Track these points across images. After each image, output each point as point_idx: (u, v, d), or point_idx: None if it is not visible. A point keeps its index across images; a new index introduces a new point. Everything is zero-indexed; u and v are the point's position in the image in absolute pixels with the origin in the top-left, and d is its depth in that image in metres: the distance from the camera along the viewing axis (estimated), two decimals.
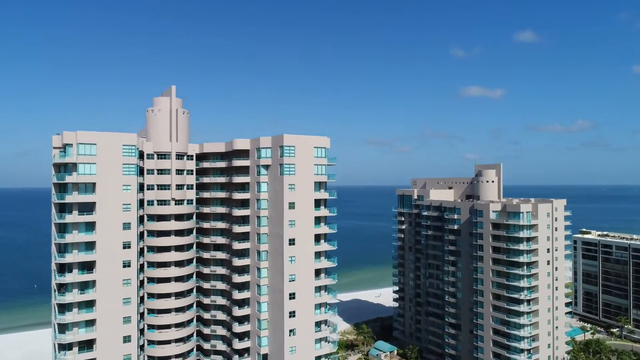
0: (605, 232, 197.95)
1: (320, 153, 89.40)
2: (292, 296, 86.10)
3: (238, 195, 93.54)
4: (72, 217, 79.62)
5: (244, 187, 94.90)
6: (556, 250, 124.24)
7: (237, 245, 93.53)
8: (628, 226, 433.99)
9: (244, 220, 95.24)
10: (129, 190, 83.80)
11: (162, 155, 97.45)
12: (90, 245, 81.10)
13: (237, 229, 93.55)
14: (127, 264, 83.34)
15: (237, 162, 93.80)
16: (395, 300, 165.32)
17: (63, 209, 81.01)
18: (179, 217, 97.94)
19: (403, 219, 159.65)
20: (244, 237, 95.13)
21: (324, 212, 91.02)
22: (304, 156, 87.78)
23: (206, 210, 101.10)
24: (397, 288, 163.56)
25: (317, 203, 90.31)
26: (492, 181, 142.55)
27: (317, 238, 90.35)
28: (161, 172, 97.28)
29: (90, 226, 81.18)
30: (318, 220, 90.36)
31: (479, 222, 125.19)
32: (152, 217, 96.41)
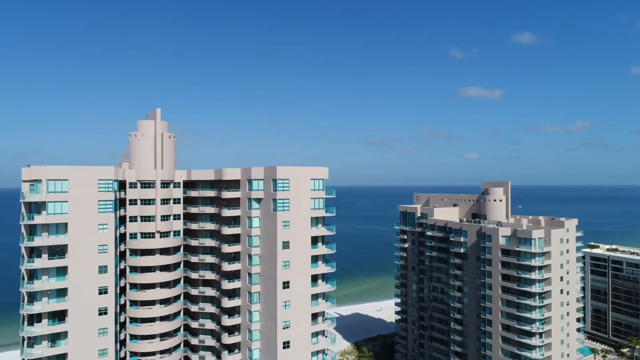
0: (614, 246, 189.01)
1: (317, 185, 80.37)
2: (286, 345, 77.21)
3: (227, 231, 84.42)
4: (42, 262, 70.64)
5: (234, 221, 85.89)
6: (567, 273, 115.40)
7: (227, 285, 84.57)
8: (630, 230, 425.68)
9: (235, 256, 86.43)
10: (106, 229, 74.76)
11: (146, 184, 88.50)
12: (62, 292, 72.11)
13: (227, 266, 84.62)
14: (103, 311, 74.39)
15: (227, 194, 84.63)
16: (397, 321, 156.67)
17: (32, 252, 72.12)
18: (164, 251, 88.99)
19: (406, 237, 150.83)
20: (235, 275, 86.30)
21: (321, 249, 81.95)
22: (300, 190, 78.75)
23: (194, 243, 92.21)
24: (399, 309, 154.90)
25: (314, 240, 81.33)
26: (500, 200, 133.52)
27: (314, 278, 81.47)
28: (145, 202, 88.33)
29: (62, 271, 72.23)
30: (315, 258, 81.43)
31: (487, 247, 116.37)
32: (135, 252, 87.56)
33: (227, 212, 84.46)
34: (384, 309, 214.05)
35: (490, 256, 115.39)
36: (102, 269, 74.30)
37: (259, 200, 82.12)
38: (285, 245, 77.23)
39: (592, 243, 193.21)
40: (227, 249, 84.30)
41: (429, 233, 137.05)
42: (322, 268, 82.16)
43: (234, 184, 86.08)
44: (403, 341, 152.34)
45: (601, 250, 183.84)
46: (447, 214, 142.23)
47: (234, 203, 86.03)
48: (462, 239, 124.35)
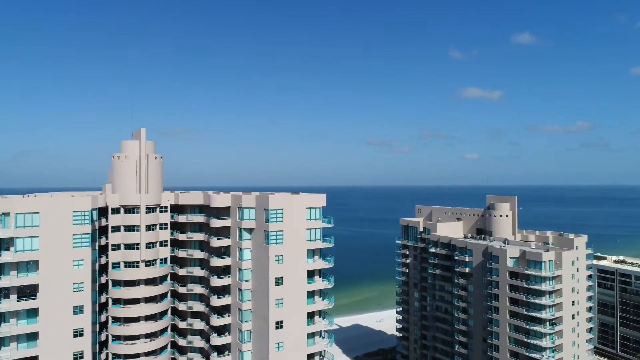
0: (621, 257, 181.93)
1: (313, 214, 73.10)
2: None
3: (217, 262, 77.17)
4: (10, 304, 63.48)
5: (224, 251, 78.74)
6: (577, 292, 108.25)
7: (216, 321, 77.29)
8: (632, 234, 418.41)
9: (225, 289, 79.35)
10: (82, 266, 67.58)
11: (130, 210, 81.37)
12: (32, 337, 64.97)
13: (216, 300, 77.45)
14: (79, 355, 67.15)
15: (216, 223, 77.35)
16: (399, 338, 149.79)
17: (0, 293, 64.97)
18: (150, 281, 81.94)
19: (407, 252, 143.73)
20: (225, 309, 79.18)
21: (318, 284, 74.71)
22: (294, 220, 71.51)
23: (182, 272, 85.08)
24: (400, 326, 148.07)
25: (311, 273, 74.14)
26: (506, 215, 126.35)
27: (310, 315, 74.35)
28: (129, 229, 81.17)
29: (32, 313, 65.07)
30: (311, 293, 74.29)
31: (494, 269, 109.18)
32: (118, 283, 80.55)
33: (216, 242, 77.27)
34: (385, 320, 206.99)
35: (497, 278, 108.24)
36: (78, 309, 67.10)
37: (250, 230, 74.91)
38: (279, 281, 70.04)
39: (599, 254, 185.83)
40: (216, 281, 77.18)
41: (432, 250, 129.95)
42: (319, 303, 74.98)
43: (223, 211, 78.84)
44: None
45: (608, 262, 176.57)
46: (450, 229, 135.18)
47: (224, 232, 78.83)
48: (467, 258, 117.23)
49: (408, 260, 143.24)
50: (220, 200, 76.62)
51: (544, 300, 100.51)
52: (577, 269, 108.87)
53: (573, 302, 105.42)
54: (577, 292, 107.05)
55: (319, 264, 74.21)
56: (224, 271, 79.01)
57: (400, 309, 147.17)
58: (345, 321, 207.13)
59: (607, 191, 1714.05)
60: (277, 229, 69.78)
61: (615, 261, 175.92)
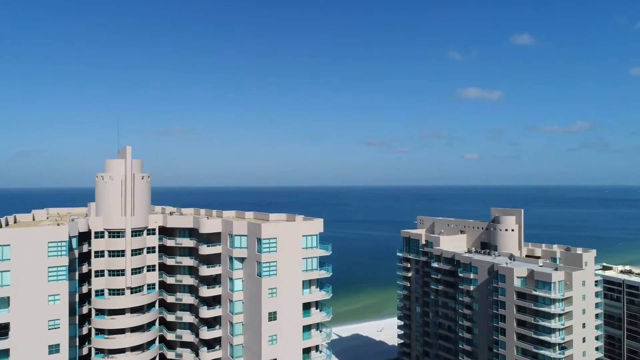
0: (627, 267, 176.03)
1: (310, 242, 67.29)
2: None
3: (206, 292, 71.40)
4: None
5: (214, 279, 72.98)
6: (587, 314, 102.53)
7: (206, 356, 71.53)
8: (634, 237, 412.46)
9: (216, 320, 73.58)
10: (58, 301, 61.81)
11: (115, 234, 75.72)
12: None
13: (205, 333, 71.67)
14: None
15: (206, 250, 71.62)
16: (400, 354, 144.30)
17: None
18: (136, 310, 76.24)
19: (409, 265, 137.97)
20: (215, 342, 73.42)
21: (315, 316, 68.87)
22: (289, 249, 65.71)
23: (171, 299, 79.34)
24: (402, 341, 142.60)
25: (307, 305, 68.37)
26: (512, 229, 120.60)
27: (307, 350, 68.59)
28: (114, 254, 75.52)
29: (3, 354, 59.47)
30: (308, 327, 68.55)
31: (501, 288, 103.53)
32: (101, 312, 74.88)
33: (205, 270, 71.44)
34: (385, 330, 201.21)
35: (503, 298, 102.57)
36: (54, 349, 61.32)
37: (242, 259, 69.10)
38: (272, 316, 64.28)
39: (605, 264, 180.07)
40: (205, 312, 71.41)
41: (435, 265, 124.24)
42: (316, 337, 69.17)
43: (214, 236, 73.03)
44: None
45: (614, 272, 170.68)
46: (454, 242, 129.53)
47: (214, 259, 73.04)
48: (471, 276, 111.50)
49: (410, 274, 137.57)
50: (209, 225, 70.75)
51: (553, 323, 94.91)
52: (585, 281, 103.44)
53: (584, 324, 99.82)
54: (587, 314, 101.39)
55: (316, 295, 68.37)
56: (215, 300, 73.31)
57: (402, 323, 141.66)
58: (344, 330, 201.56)
59: (607, 192, 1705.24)
60: (270, 259, 64.01)
61: (621, 271, 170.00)
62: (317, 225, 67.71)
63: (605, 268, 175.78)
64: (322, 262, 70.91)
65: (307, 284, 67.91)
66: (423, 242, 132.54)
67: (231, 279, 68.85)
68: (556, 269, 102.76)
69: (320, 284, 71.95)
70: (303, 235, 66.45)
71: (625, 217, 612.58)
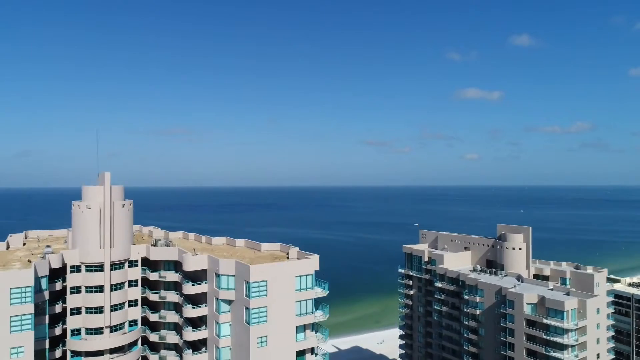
0: (636, 280, 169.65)
1: (304, 283, 60.30)
2: None
3: (191, 335, 64.50)
4: None
5: (200, 320, 66.13)
6: (598, 342, 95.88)
7: None
8: (636, 239, 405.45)
9: None
10: (22, 354, 54.90)
11: (93, 268, 68.93)
12: None
13: None
14: None
15: (190, 289, 64.65)
16: None
17: None
18: (116, 350, 69.52)
19: (411, 282, 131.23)
20: None
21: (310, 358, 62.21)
22: (281, 293, 58.72)
23: (154, 338, 72.44)
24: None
25: (301, 352, 61.47)
26: (520, 248, 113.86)
27: None
28: (91, 289, 68.73)
29: None
30: None
31: (509, 315, 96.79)
32: (77, 354, 68.08)
33: (190, 312, 64.47)
34: (386, 341, 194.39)
35: (512, 325, 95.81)
36: None
37: (229, 301, 62.15)
38: None
39: (612, 276, 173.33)
40: (190, 357, 64.54)
41: (439, 284, 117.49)
42: None
43: (200, 272, 66.17)
44: None
45: (623, 285, 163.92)
46: (458, 260, 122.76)
47: (200, 298, 66.15)
48: (477, 299, 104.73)
49: (412, 292, 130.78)
50: (194, 263, 63.72)
51: (566, 355, 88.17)
52: (602, 317, 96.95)
53: (598, 355, 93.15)
54: (602, 343, 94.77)
55: (311, 341, 61.38)
56: (201, 343, 66.41)
57: (403, 342, 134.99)
58: (343, 343, 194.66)
59: (609, 192, 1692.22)
60: (259, 305, 57.09)
61: (630, 284, 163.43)
62: (312, 263, 60.72)
63: (612, 281, 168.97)
64: (319, 273, 63.66)
65: (301, 329, 60.97)
66: (426, 258, 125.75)
67: (217, 322, 61.91)
68: (568, 294, 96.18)
69: (317, 302, 65.06)
70: (297, 276, 59.53)
71: (628, 220, 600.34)
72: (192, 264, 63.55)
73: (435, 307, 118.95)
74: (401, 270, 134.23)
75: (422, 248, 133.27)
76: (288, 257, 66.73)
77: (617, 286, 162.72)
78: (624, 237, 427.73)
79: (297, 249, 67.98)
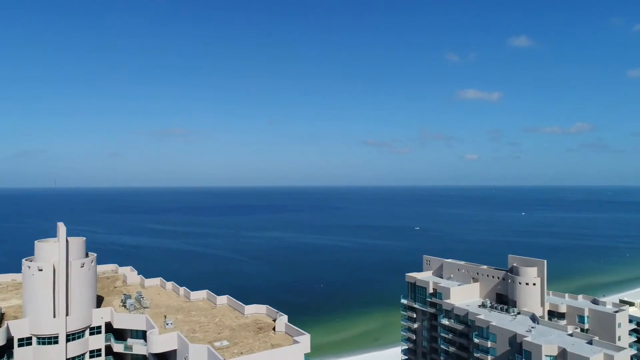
0: None
1: None
2: None
3: None
4: None
5: None
6: None
7: None
8: (638, 247, 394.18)
9: None
10: None
11: (45, 340, 57.92)
12: None
13: None
14: None
15: None
16: None
17: None
18: None
19: (415, 315, 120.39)
20: None
21: None
22: None
23: None
24: None
25: None
26: (534, 284, 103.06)
27: None
28: None
29: None
30: None
31: None
32: None
33: None
34: None
35: None
36: None
37: None
38: None
39: (626, 299, 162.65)
40: None
41: (445, 322, 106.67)
42: None
43: (170, 353, 55.09)
44: None
45: (637, 308, 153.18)
46: (466, 293, 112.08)
47: None
48: (489, 344, 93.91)
49: (415, 325, 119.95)
50: (161, 344, 52.49)
51: None
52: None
53: None
54: None
55: None
56: None
57: None
58: None
59: (610, 193, 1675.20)
60: None
61: None
62: (301, 347, 49.69)
63: (625, 303, 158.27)
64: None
65: None
66: (431, 290, 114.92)
67: None
68: (590, 342, 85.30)
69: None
70: None
71: (631, 223, 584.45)
72: (158, 345, 52.31)
73: (442, 345, 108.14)
74: (404, 301, 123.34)
75: (426, 277, 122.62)
76: (274, 330, 55.65)
77: (631, 310, 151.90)
78: (628, 242, 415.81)
79: (286, 318, 56.93)
